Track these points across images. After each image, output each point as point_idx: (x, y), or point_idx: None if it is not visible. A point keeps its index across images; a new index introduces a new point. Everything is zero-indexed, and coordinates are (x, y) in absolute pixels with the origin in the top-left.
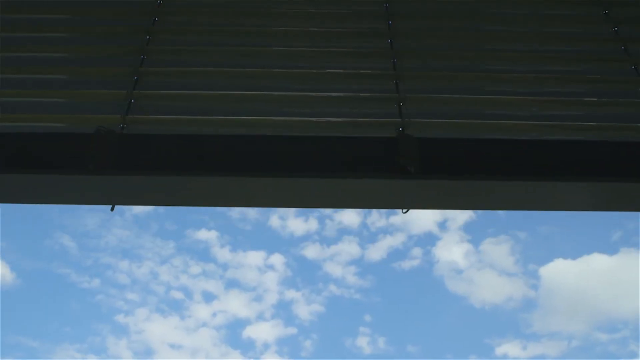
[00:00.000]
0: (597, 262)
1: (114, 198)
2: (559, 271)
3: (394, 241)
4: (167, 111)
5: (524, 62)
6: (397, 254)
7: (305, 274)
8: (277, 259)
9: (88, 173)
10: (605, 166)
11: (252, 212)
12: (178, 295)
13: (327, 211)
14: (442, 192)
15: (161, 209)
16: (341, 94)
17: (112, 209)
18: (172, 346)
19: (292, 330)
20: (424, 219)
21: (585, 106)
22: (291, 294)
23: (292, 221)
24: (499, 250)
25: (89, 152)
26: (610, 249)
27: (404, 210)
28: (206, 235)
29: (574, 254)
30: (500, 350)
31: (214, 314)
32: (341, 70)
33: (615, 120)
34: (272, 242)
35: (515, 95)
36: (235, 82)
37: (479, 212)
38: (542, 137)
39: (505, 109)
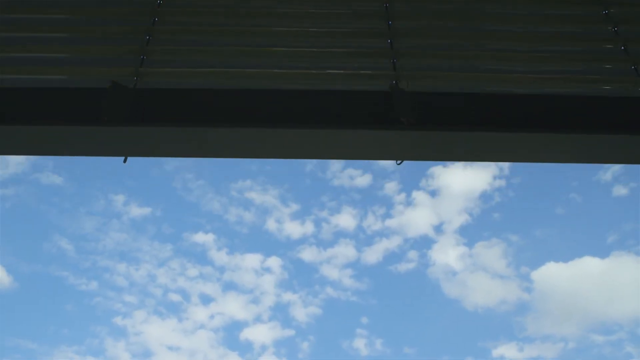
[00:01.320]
0: (588, 266)
1: (127, 149)
2: (551, 274)
3: (390, 244)
4: None
5: (523, 62)
6: (393, 257)
7: (302, 276)
8: (274, 262)
9: (102, 124)
10: (588, 120)
11: (248, 216)
12: (176, 297)
13: (323, 214)
14: (434, 144)
15: (158, 212)
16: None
17: (124, 161)
18: (170, 348)
19: (290, 332)
20: (419, 222)
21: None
22: (288, 296)
23: (289, 224)
24: (491, 253)
25: (104, 105)
26: (602, 252)
27: (398, 162)
28: (203, 238)
29: (565, 257)
30: (497, 352)
31: (212, 316)
32: (341, 71)
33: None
34: (269, 245)
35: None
36: (235, 83)
37: (475, 215)
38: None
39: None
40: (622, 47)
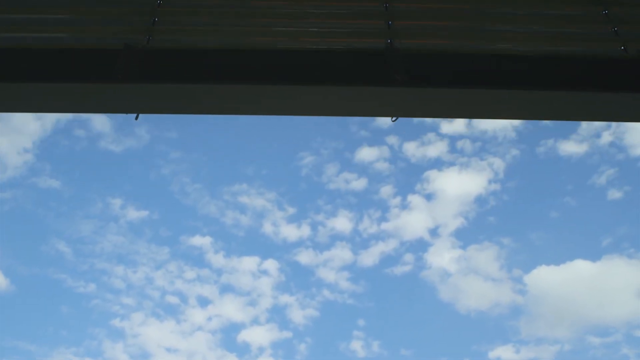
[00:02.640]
0: (580, 269)
1: (139, 106)
2: (544, 278)
3: (385, 247)
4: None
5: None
6: (389, 260)
7: (298, 279)
8: (271, 265)
9: (116, 82)
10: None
11: (245, 219)
12: (173, 299)
13: (319, 217)
14: (427, 101)
15: (155, 215)
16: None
17: (136, 118)
18: (168, 350)
19: (287, 334)
20: (415, 225)
21: None
22: (285, 298)
23: (285, 227)
24: (484, 256)
25: (117, 64)
26: (594, 256)
27: (393, 119)
28: (200, 241)
29: (557, 261)
30: (493, 354)
31: (209, 318)
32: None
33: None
34: (266, 247)
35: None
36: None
37: (470, 218)
38: None
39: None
40: (622, 47)
